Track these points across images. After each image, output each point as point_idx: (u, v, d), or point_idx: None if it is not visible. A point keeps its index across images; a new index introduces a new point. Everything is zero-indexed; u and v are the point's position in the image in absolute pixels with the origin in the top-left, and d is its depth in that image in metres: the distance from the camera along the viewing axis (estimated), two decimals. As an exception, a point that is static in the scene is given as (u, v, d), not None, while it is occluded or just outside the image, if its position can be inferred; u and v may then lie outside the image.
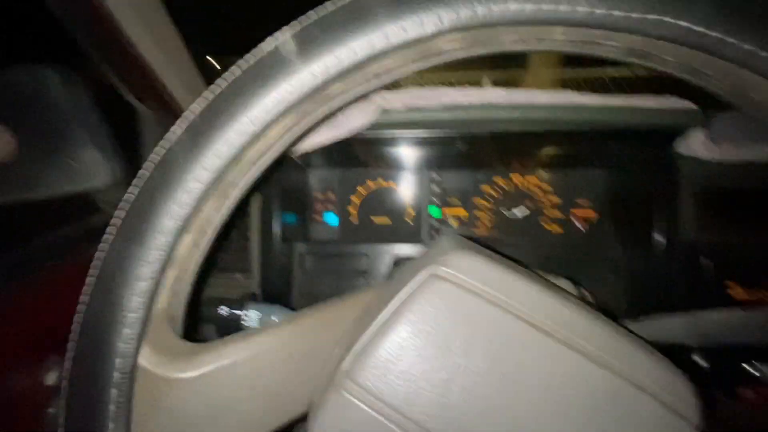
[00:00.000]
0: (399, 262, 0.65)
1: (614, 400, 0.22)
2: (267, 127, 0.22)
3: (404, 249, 0.67)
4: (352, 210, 0.73)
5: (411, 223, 0.73)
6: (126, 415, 0.22)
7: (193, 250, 0.24)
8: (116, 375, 0.22)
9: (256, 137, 0.22)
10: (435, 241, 0.28)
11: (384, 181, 0.73)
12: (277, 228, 0.57)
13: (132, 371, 0.22)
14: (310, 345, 0.27)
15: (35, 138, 0.52)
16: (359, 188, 0.73)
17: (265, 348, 0.25)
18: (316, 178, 0.73)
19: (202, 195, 0.22)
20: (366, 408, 0.23)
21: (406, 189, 0.73)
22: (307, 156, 0.66)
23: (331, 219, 0.73)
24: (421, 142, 0.59)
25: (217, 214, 0.25)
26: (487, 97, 0.50)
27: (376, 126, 0.51)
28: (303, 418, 0.26)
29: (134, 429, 0.23)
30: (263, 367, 0.25)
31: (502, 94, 0.50)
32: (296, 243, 0.66)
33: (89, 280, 0.23)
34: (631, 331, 0.25)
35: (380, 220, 0.73)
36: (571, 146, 0.61)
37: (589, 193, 0.70)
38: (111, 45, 0.52)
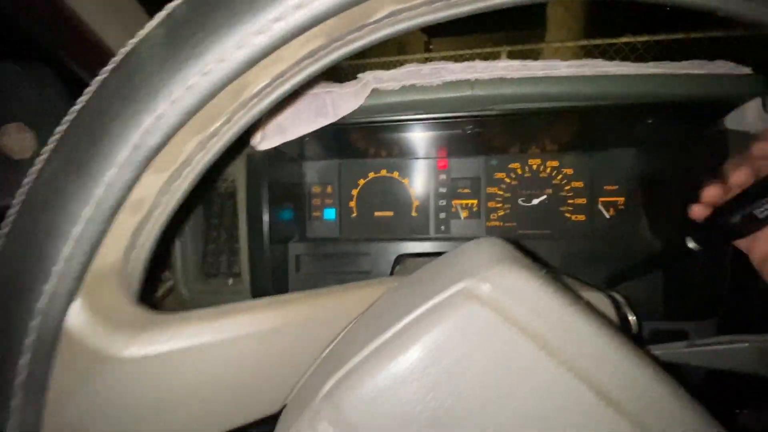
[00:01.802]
0: (401, 258, 0.59)
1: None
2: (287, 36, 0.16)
3: (410, 246, 0.61)
4: (352, 204, 0.67)
5: (417, 216, 0.66)
6: (39, 389, 0.17)
7: (163, 192, 0.19)
8: (31, 337, 0.17)
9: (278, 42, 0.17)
10: (472, 245, 0.21)
11: (387, 172, 0.66)
12: (266, 228, 0.52)
13: (55, 336, 0.17)
14: (295, 339, 0.22)
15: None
16: (360, 181, 0.66)
17: (237, 335, 0.20)
18: (312, 170, 0.67)
19: (182, 116, 0.17)
20: None
21: (410, 179, 0.66)
22: (300, 148, 0.60)
23: (330, 215, 0.67)
24: (424, 127, 0.52)
25: (200, 153, 0.19)
26: (496, 71, 0.43)
27: (371, 110, 0.44)
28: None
29: (49, 410, 0.18)
30: (231, 357, 0.20)
31: (515, 67, 0.43)
32: (291, 243, 0.61)
33: (10, 211, 0.17)
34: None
35: (383, 213, 0.67)
36: (598, 124, 0.53)
37: (616, 176, 0.62)
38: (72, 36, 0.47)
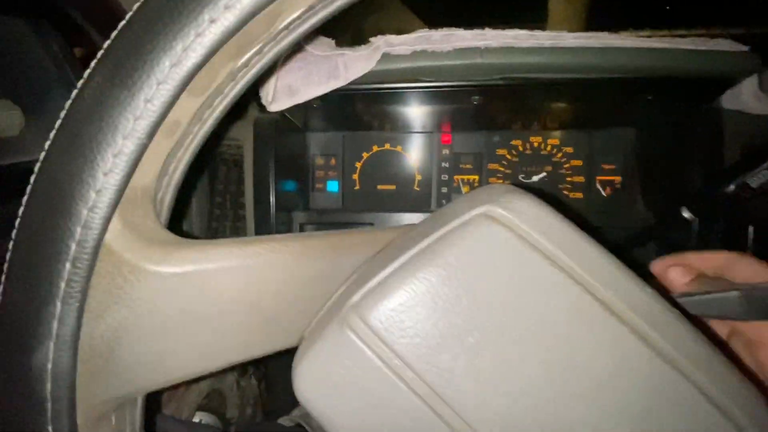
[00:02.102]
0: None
1: (683, 411, 0.18)
2: None
3: (412, 218, 0.62)
4: (355, 177, 0.68)
5: (419, 190, 0.67)
6: (79, 300, 0.18)
7: (196, 118, 0.19)
8: (73, 247, 0.17)
9: None
10: (488, 186, 0.23)
11: (390, 146, 0.67)
12: (272, 196, 0.53)
13: (95, 247, 0.18)
14: (316, 270, 0.22)
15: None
16: (364, 154, 0.67)
17: (262, 260, 0.20)
18: (316, 142, 0.68)
19: (220, 37, 0.17)
20: (368, 352, 0.19)
21: (413, 153, 0.67)
22: (306, 117, 0.61)
23: (333, 187, 0.68)
24: (430, 98, 0.53)
25: (230, 83, 0.19)
26: (506, 40, 0.43)
27: (381, 75, 0.45)
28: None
29: (87, 317, 0.18)
30: (255, 282, 0.21)
31: (523, 36, 0.44)
32: (295, 212, 0.62)
33: (58, 123, 0.18)
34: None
35: (386, 187, 0.68)
36: (600, 101, 0.54)
37: (614, 155, 0.63)
38: None
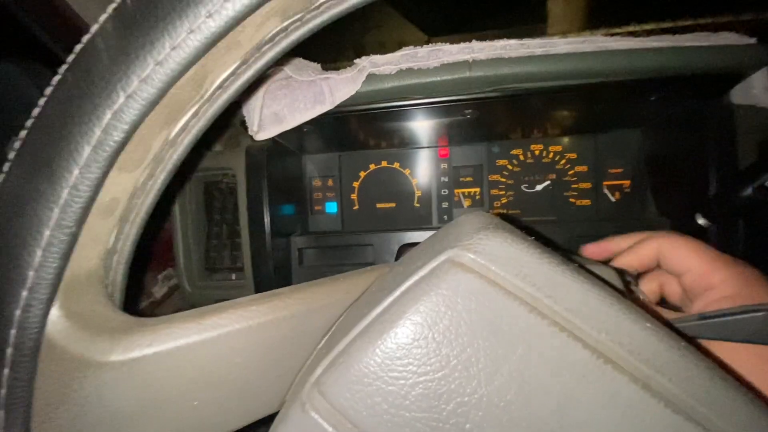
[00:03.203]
0: (404, 248, 0.59)
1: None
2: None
3: (414, 236, 0.60)
4: (353, 197, 0.67)
5: (419, 206, 0.66)
6: (24, 403, 0.17)
7: (136, 193, 0.18)
8: (9, 351, 0.16)
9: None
10: (457, 219, 0.21)
11: (388, 163, 0.66)
12: (267, 223, 0.52)
13: (33, 348, 0.17)
14: (288, 330, 0.21)
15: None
16: (361, 173, 0.66)
17: (224, 332, 0.19)
18: (312, 164, 0.67)
19: (142, 109, 0.16)
20: None
21: (412, 169, 0.65)
22: (299, 141, 0.60)
23: (332, 208, 0.67)
24: (424, 113, 0.52)
25: (170, 150, 0.18)
26: (495, 51, 0.42)
27: (368, 96, 0.44)
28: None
29: (36, 422, 0.17)
30: (219, 355, 0.19)
31: (513, 45, 0.42)
32: (293, 237, 0.60)
33: None
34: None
35: (385, 205, 0.66)
36: (601, 104, 0.52)
37: (622, 159, 0.61)
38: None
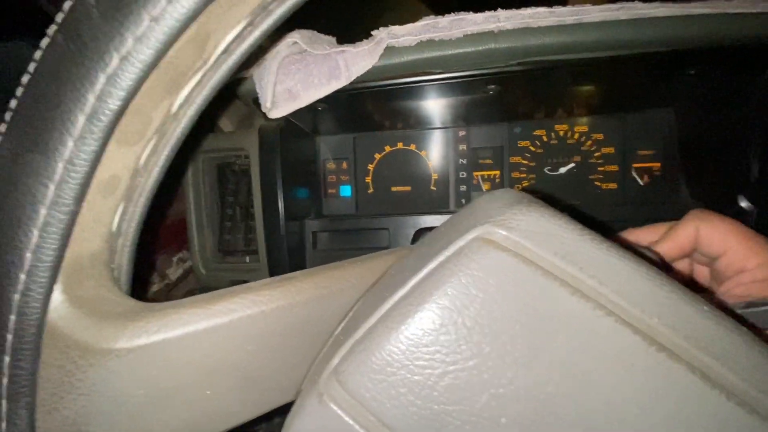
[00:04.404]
0: (420, 232, 0.57)
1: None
2: None
3: (430, 220, 0.59)
4: (368, 180, 0.65)
5: (436, 189, 0.64)
6: (28, 394, 0.16)
7: (140, 170, 0.17)
8: (9, 338, 0.15)
9: None
10: (484, 196, 0.19)
11: (403, 145, 0.63)
12: (281, 205, 0.51)
13: (36, 335, 0.16)
14: (303, 317, 0.19)
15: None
16: (376, 155, 0.64)
17: (235, 318, 0.18)
18: (326, 146, 0.65)
19: (138, 73, 0.15)
20: (353, 425, 0.16)
21: (428, 151, 0.63)
22: (313, 121, 0.58)
23: (346, 191, 0.65)
24: (443, 89, 0.49)
25: (173, 122, 0.17)
26: (522, 20, 0.39)
27: (387, 70, 0.41)
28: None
29: (41, 413, 0.16)
30: (229, 342, 0.18)
31: (542, 14, 0.39)
32: (307, 221, 0.59)
33: None
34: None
35: (401, 188, 0.64)
36: (634, 79, 0.48)
37: (652, 140, 0.57)
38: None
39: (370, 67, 0.40)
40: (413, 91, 0.47)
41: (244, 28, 0.17)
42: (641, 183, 0.59)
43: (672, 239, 0.30)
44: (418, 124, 0.61)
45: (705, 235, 0.28)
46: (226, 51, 0.17)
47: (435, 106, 0.55)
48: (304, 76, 0.42)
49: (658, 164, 0.58)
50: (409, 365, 0.15)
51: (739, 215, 0.39)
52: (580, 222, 0.18)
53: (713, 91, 0.49)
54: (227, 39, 0.16)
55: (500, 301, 0.15)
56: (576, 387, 0.15)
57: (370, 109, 0.55)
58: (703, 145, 0.52)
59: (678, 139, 0.56)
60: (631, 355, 0.15)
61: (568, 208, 0.50)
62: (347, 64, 0.40)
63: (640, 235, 0.33)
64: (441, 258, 0.16)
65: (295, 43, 0.41)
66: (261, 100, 0.42)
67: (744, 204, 0.37)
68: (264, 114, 0.44)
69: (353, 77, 0.41)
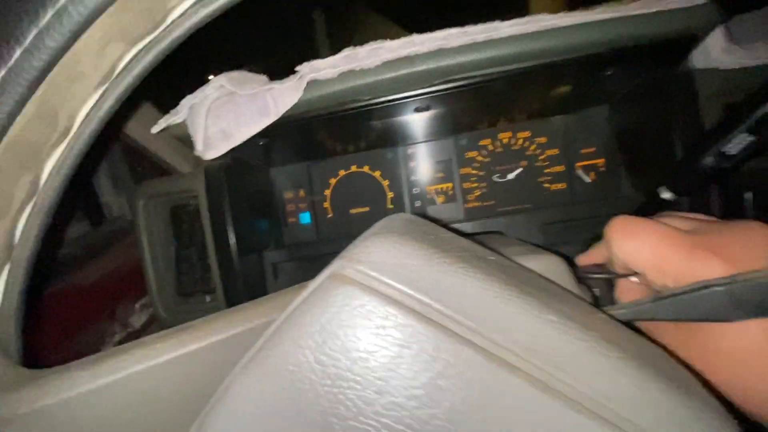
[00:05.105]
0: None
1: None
2: None
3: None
4: (326, 205, 0.66)
5: (393, 207, 0.64)
6: None
7: (16, 245, 0.17)
8: None
9: None
10: (374, 225, 0.20)
11: (357, 167, 0.64)
12: (232, 240, 0.51)
13: None
14: (205, 366, 0.19)
15: None
16: (331, 180, 0.65)
17: (126, 374, 0.18)
18: (282, 176, 0.66)
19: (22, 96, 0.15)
20: None
21: (382, 171, 0.64)
22: (264, 154, 0.59)
23: (306, 218, 0.66)
24: (381, 113, 0.50)
25: (43, 191, 0.17)
26: (435, 43, 0.41)
27: (314, 103, 0.43)
28: None
29: None
30: (124, 400, 0.18)
31: (454, 34, 0.41)
32: (267, 252, 0.60)
33: None
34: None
35: (359, 210, 0.65)
36: (560, 84, 0.50)
37: (592, 138, 0.59)
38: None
39: (296, 101, 0.41)
40: (349, 118, 0.49)
41: (100, 97, 0.17)
42: (588, 180, 0.60)
43: (589, 260, 0.31)
44: (368, 146, 0.63)
45: (614, 257, 0.27)
46: (86, 119, 0.18)
47: (379, 128, 0.56)
48: (235, 116, 0.43)
49: (602, 160, 0.59)
50: (261, 417, 0.16)
51: (664, 206, 0.40)
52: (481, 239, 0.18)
53: (640, 86, 0.51)
54: (82, 112, 0.17)
55: (353, 336, 0.15)
56: (424, 404, 0.15)
57: (315, 138, 0.56)
58: (637, 138, 0.54)
59: (615, 134, 0.58)
60: (472, 372, 0.15)
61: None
62: (275, 100, 0.41)
63: (582, 260, 0.33)
64: (300, 300, 0.16)
65: (222, 86, 0.42)
66: (194, 143, 0.43)
67: (666, 195, 0.38)
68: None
69: (282, 112, 0.42)
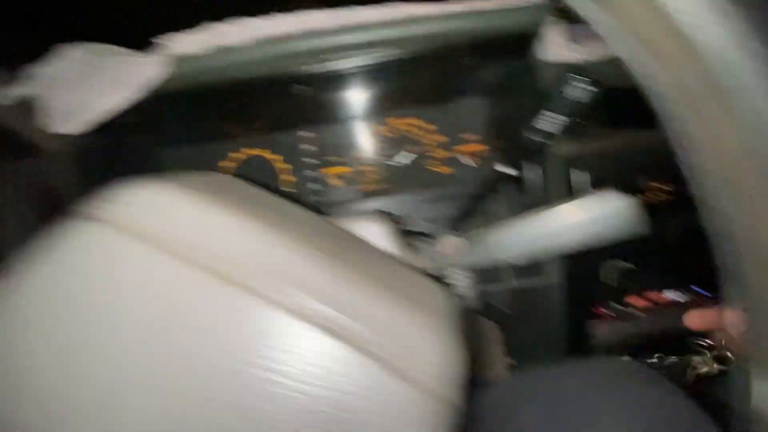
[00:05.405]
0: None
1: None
2: None
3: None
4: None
5: (294, 191, 0.65)
6: None
7: None
8: None
9: None
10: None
11: (249, 150, 0.64)
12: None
13: None
14: None
15: None
16: (221, 164, 0.64)
17: None
18: (169, 162, 0.63)
19: None
20: None
21: (277, 154, 0.65)
22: (149, 133, 0.57)
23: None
24: (272, 92, 0.51)
25: None
26: (305, 23, 0.42)
27: (184, 78, 0.42)
28: None
29: None
30: None
31: (321, 18, 0.43)
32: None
33: None
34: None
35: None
36: (436, 73, 0.55)
37: (473, 125, 0.64)
38: None
39: (159, 74, 0.41)
40: (221, 96, 0.49)
41: None
42: (475, 165, 0.65)
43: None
44: (263, 129, 0.63)
45: None
46: None
47: (271, 107, 0.56)
48: (97, 89, 0.41)
49: (484, 147, 0.65)
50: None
51: (501, 180, 0.46)
52: None
53: (505, 77, 0.57)
54: None
55: (105, 274, 0.16)
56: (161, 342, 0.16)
57: (204, 120, 0.55)
58: (507, 126, 0.60)
59: (491, 121, 0.63)
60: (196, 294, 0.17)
61: None
62: (132, 73, 0.40)
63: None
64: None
65: (80, 58, 0.40)
66: (50, 117, 0.41)
67: (501, 169, 0.44)
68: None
69: (142, 88, 0.41)
